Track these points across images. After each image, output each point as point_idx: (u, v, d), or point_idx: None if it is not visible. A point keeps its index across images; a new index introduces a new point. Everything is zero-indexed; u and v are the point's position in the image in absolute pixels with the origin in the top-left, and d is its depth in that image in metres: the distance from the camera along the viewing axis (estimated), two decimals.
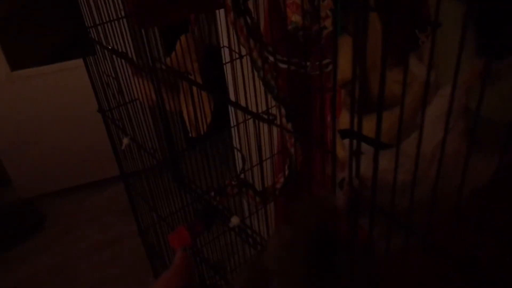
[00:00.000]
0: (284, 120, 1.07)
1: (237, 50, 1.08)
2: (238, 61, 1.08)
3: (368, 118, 0.51)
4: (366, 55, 0.83)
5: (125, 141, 1.02)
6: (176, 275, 0.48)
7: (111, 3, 0.94)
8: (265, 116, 0.65)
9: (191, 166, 1.02)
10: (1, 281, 2.40)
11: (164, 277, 0.49)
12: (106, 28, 0.98)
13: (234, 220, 0.80)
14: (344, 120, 0.81)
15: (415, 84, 0.70)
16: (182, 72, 0.83)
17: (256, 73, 1.02)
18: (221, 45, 1.23)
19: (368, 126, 0.52)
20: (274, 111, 1.08)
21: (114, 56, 0.99)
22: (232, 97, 0.84)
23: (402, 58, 0.80)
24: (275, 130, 1.32)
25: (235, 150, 1.02)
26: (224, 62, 1.24)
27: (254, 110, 0.80)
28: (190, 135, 1.05)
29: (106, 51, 0.98)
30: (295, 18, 0.82)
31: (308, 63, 0.90)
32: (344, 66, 0.80)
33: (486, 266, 0.40)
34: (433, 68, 0.63)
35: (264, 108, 0.81)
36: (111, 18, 0.97)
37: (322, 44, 0.79)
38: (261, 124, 0.87)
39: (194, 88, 0.92)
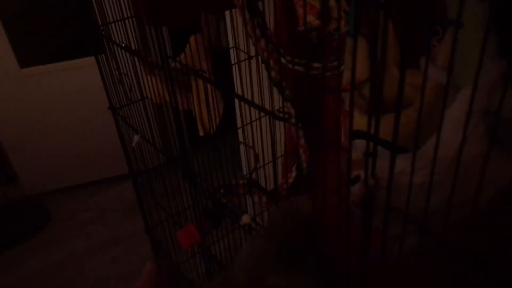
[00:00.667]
0: (293, 120, 1.08)
1: (245, 51, 1.09)
2: (246, 62, 1.09)
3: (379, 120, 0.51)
4: (379, 57, 0.83)
5: (136, 138, 1.03)
6: (148, 285, 0.48)
7: (122, 2, 0.96)
8: (281, 115, 0.66)
9: (198, 164, 1.02)
10: (6, 277, 2.41)
11: None
12: (117, 27, 0.99)
13: (245, 218, 0.81)
14: (355, 121, 0.82)
15: (428, 86, 0.71)
16: (197, 70, 0.83)
17: (266, 74, 1.02)
18: (230, 46, 1.24)
19: (380, 127, 0.52)
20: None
21: (125, 54, 1.00)
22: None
23: (414, 60, 0.81)
24: (282, 131, 1.32)
25: (244, 149, 1.02)
26: (233, 62, 1.25)
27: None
28: (199, 133, 1.06)
29: (118, 49, 0.99)
30: (309, 18, 0.83)
31: (319, 65, 0.91)
32: (359, 67, 0.80)
33: (503, 266, 0.40)
34: (447, 71, 0.63)
35: (271, 109, 0.81)
36: (122, 17, 0.98)
37: (335, 46, 0.80)
38: (266, 125, 0.88)
39: (207, 87, 0.93)
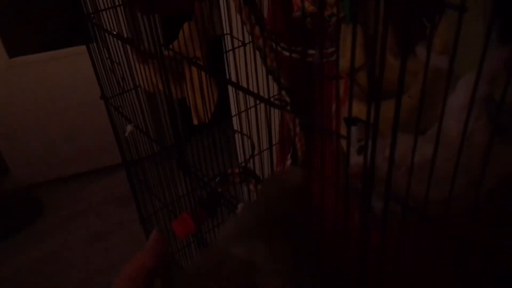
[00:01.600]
0: (289, 108, 1.07)
1: (239, 38, 1.08)
2: (240, 49, 1.08)
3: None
4: (375, 44, 0.83)
5: (129, 127, 1.02)
6: (149, 255, 0.47)
7: None
8: (277, 102, 0.65)
9: (193, 153, 1.02)
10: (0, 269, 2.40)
11: (137, 257, 0.49)
12: (108, 14, 0.97)
13: (241, 207, 0.81)
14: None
15: (422, 73, 0.70)
16: (191, 58, 0.82)
17: (260, 61, 1.02)
18: (224, 33, 1.22)
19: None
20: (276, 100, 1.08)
21: (117, 42, 0.98)
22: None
23: (407, 48, 0.80)
24: (276, 119, 1.32)
25: (239, 138, 1.02)
26: (226, 50, 1.23)
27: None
28: (193, 122, 1.05)
29: (110, 37, 0.97)
30: (305, 4, 0.82)
31: (314, 51, 0.90)
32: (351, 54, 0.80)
33: (504, 255, 0.40)
34: (445, 56, 0.63)
35: (266, 97, 0.81)
36: (114, 4, 0.96)
37: (330, 32, 0.79)
38: (261, 113, 0.87)
39: (201, 75, 0.92)
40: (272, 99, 0.85)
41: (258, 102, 0.66)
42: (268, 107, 0.61)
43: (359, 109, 0.74)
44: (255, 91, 0.83)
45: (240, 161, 1.05)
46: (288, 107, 1.05)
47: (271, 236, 0.45)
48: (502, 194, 0.48)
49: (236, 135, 1.05)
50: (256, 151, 1.09)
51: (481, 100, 0.51)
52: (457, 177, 0.46)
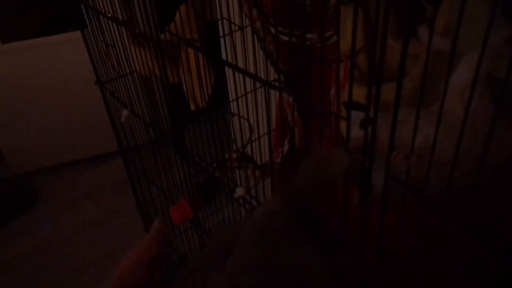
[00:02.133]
0: (284, 93, 1.06)
1: (236, 22, 1.07)
2: (237, 33, 1.06)
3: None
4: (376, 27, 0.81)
5: (125, 113, 1.01)
6: (152, 243, 0.46)
7: None
8: (276, 84, 0.64)
9: (190, 138, 1.01)
10: None
11: (139, 245, 0.48)
12: None
13: (240, 191, 0.80)
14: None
15: (424, 55, 0.69)
16: (188, 39, 0.81)
17: (257, 45, 1.00)
18: (220, 17, 1.20)
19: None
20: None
21: (112, 25, 0.96)
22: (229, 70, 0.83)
23: (409, 30, 0.79)
24: (274, 103, 1.31)
25: (236, 122, 1.01)
26: (222, 34, 1.21)
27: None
28: (190, 108, 1.04)
29: (105, 20, 0.96)
30: None
31: (314, 35, 0.89)
32: (350, 37, 0.78)
33: (504, 234, 0.40)
34: (447, 37, 0.62)
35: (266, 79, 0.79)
36: None
37: (329, 14, 0.78)
38: (258, 97, 0.86)
39: (195, 58, 0.91)
40: (279, 79, 0.84)
41: (257, 86, 0.64)
42: (266, 89, 0.60)
43: (359, 93, 0.74)
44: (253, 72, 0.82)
45: (237, 146, 1.04)
46: (287, 90, 1.04)
47: (302, 241, 0.44)
48: (505, 175, 0.48)
49: (232, 120, 1.04)
50: (254, 136, 1.08)
51: (484, 79, 0.50)
52: (461, 158, 0.45)
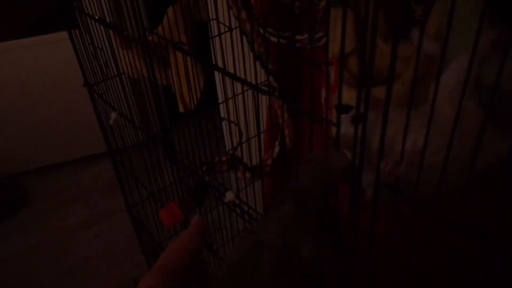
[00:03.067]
0: (277, 94, 1.05)
1: (226, 23, 1.06)
2: (226, 35, 1.06)
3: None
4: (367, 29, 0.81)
5: (113, 115, 1.00)
6: (193, 236, 0.49)
7: None
8: (265, 88, 0.63)
9: (179, 141, 1.00)
10: None
11: (182, 237, 0.50)
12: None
13: (229, 196, 0.79)
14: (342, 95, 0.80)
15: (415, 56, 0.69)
16: (176, 42, 0.80)
17: (247, 47, 0.99)
18: (209, 18, 1.20)
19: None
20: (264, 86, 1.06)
21: (100, 27, 0.95)
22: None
23: (399, 31, 0.79)
24: (264, 105, 1.30)
25: (226, 125, 1.00)
26: (212, 35, 1.21)
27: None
28: (180, 110, 1.03)
29: (92, 22, 0.94)
30: None
31: (303, 36, 0.89)
32: (341, 39, 0.78)
33: (491, 236, 0.40)
34: (438, 40, 0.62)
35: (253, 83, 0.79)
36: None
37: (319, 16, 0.78)
38: (249, 99, 0.86)
39: (184, 60, 0.90)
40: (260, 86, 0.83)
41: (245, 88, 0.64)
42: (256, 93, 0.60)
43: (350, 96, 0.73)
44: (242, 77, 0.82)
45: (227, 149, 1.03)
46: (276, 94, 1.03)
47: (323, 234, 0.45)
48: (492, 178, 0.48)
49: (223, 123, 1.03)
50: (244, 138, 1.07)
51: (470, 84, 0.50)
52: (448, 161, 0.45)
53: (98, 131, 1.29)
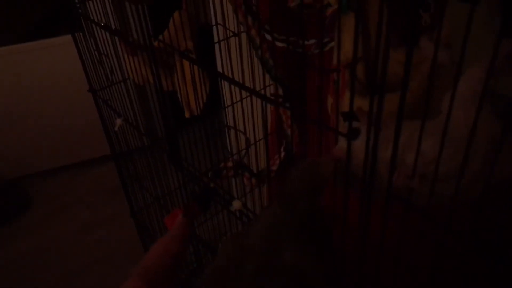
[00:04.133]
0: (286, 104, 1.05)
1: (230, 28, 1.05)
2: (230, 40, 1.05)
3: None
4: (371, 34, 0.80)
5: (118, 122, 0.99)
6: (176, 238, 0.48)
7: None
8: (272, 97, 0.63)
9: (184, 146, 0.99)
10: None
11: (165, 238, 0.48)
12: (94, 4, 0.94)
13: (236, 204, 0.79)
14: (348, 102, 0.79)
15: (423, 65, 0.68)
16: (182, 51, 0.80)
17: (253, 52, 0.99)
18: (213, 23, 1.19)
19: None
20: (269, 91, 1.05)
21: (105, 34, 0.95)
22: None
23: (406, 38, 0.78)
24: (268, 109, 1.30)
25: (228, 131, 1.00)
26: (217, 40, 1.20)
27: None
28: (185, 115, 1.02)
29: (97, 28, 0.94)
30: None
31: (310, 41, 0.88)
32: (349, 46, 0.77)
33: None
34: (448, 49, 0.61)
35: (259, 87, 0.78)
36: None
37: (326, 23, 0.77)
38: (253, 105, 0.85)
39: (190, 67, 0.90)
40: (264, 93, 0.83)
41: (249, 94, 0.63)
42: (263, 102, 0.59)
43: (356, 103, 0.73)
44: (247, 81, 0.81)
45: (232, 154, 1.03)
46: (286, 104, 1.03)
47: (307, 239, 0.44)
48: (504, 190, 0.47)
49: (237, 130, 1.03)
50: (249, 144, 1.07)
51: (485, 93, 0.49)
52: (458, 173, 0.45)
53: (101, 134, 1.28)
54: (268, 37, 0.95)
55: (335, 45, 0.81)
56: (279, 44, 0.95)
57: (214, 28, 1.13)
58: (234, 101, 0.94)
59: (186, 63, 0.91)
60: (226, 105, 1.17)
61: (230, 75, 0.77)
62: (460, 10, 0.47)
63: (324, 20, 0.78)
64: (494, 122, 0.48)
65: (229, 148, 1.08)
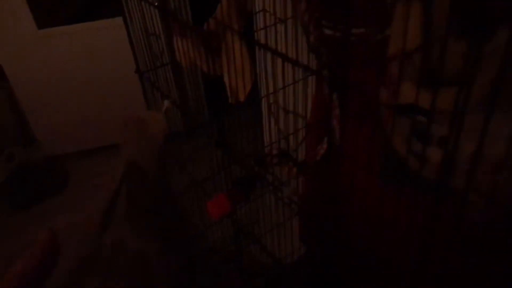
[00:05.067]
0: (326, 88, 1.03)
1: (277, 14, 1.04)
2: (273, 27, 1.03)
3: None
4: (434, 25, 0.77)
5: (166, 103, 1.00)
6: (38, 254, 0.39)
7: None
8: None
9: (230, 131, 0.99)
10: (21, 236, 2.45)
11: (25, 255, 0.40)
12: None
13: (287, 191, 0.78)
14: (405, 93, 0.77)
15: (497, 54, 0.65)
16: (240, 32, 0.79)
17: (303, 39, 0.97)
18: (257, 9, 1.18)
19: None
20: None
21: (155, 13, 0.95)
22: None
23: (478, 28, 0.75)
24: (309, 97, 1.28)
25: (266, 117, 0.98)
26: (258, 28, 1.19)
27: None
28: (229, 101, 1.02)
29: (147, 7, 0.94)
30: None
31: (359, 29, 0.85)
32: (411, 33, 0.74)
33: None
34: None
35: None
36: None
37: (384, 10, 0.74)
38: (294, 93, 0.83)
39: (239, 51, 0.89)
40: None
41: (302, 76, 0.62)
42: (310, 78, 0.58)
43: (413, 95, 0.70)
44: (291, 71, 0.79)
45: (278, 141, 1.02)
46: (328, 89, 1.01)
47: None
48: None
49: (265, 116, 1.01)
50: (291, 130, 1.06)
51: None
52: None
53: None
54: (324, 23, 0.92)
55: (392, 34, 0.78)
56: (327, 31, 0.92)
57: (260, 15, 1.12)
58: (282, 85, 0.93)
59: (235, 47, 0.90)
60: (264, 93, 1.16)
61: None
62: None
63: (383, 7, 0.75)
64: None
65: (272, 135, 1.07)
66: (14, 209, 2.64)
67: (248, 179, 0.89)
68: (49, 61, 2.70)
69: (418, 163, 0.50)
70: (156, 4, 0.88)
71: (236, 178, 0.93)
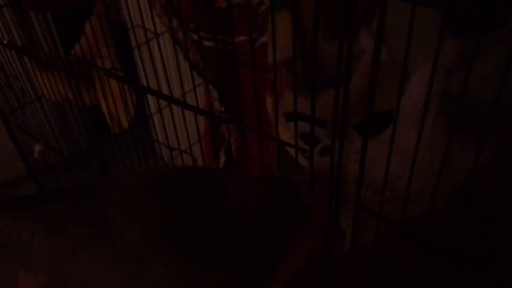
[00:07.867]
0: (216, 103, 1.00)
1: (151, 29, 0.97)
2: (152, 42, 0.97)
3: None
4: (306, 29, 0.78)
5: (37, 148, 0.88)
6: None
7: None
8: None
9: (113, 162, 0.92)
10: None
11: None
12: None
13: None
14: (287, 101, 0.76)
15: (363, 57, 0.67)
16: (109, 69, 0.71)
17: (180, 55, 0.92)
18: (130, 25, 1.10)
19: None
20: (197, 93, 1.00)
21: (11, 53, 0.82)
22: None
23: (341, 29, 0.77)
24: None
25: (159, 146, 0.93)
26: (136, 44, 1.11)
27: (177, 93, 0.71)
28: (112, 131, 0.94)
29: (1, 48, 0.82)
30: None
31: (239, 38, 0.84)
32: (284, 44, 0.74)
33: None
34: (386, 46, 0.59)
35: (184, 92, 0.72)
36: None
37: (259, 21, 0.73)
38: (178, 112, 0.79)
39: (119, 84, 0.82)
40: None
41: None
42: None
43: (299, 103, 0.70)
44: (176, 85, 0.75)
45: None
46: (216, 102, 0.98)
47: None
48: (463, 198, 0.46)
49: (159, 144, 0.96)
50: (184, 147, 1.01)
51: (437, 98, 0.48)
52: (424, 184, 0.43)
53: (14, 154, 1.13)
54: (195, 36, 0.88)
55: (269, 44, 0.78)
56: (206, 43, 0.89)
57: (131, 31, 1.04)
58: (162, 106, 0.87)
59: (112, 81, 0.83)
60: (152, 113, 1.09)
61: (155, 81, 0.71)
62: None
63: (257, 18, 0.74)
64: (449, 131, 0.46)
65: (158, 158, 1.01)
66: None
67: None
68: None
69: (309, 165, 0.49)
70: (5, 42, 0.77)
71: None
